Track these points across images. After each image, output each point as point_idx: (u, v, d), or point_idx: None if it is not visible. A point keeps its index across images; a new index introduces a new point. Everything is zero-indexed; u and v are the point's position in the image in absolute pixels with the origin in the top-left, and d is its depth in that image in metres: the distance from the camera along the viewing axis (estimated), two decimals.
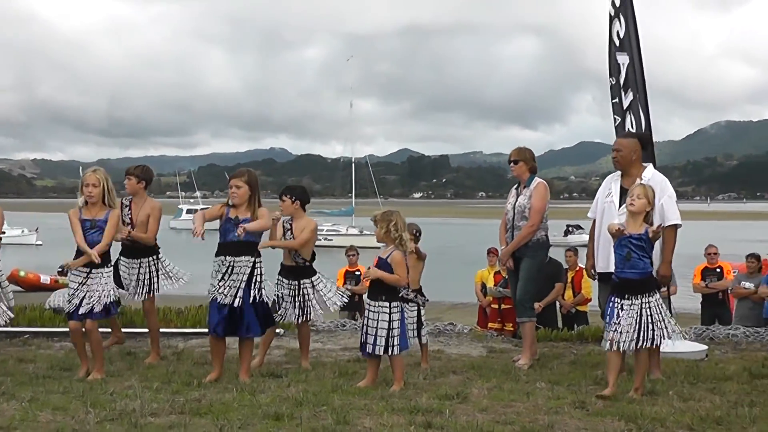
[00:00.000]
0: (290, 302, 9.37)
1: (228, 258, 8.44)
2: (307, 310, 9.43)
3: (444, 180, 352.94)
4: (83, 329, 8.56)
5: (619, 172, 9.15)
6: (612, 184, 9.20)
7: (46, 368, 8.82)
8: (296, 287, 9.37)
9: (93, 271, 8.51)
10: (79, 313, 8.46)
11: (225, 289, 8.38)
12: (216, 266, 8.50)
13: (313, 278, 9.47)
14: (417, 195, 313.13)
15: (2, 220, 10.15)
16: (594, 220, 9.35)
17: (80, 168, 9.53)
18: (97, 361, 8.52)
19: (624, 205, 8.60)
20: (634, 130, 10.34)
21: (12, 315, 8.86)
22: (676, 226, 8.73)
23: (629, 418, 6.66)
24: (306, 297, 9.40)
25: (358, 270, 16.47)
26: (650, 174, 8.97)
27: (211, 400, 7.15)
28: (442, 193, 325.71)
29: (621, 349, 7.77)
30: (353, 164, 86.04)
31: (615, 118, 10.66)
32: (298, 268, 9.39)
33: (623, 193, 8.80)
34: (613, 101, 10.69)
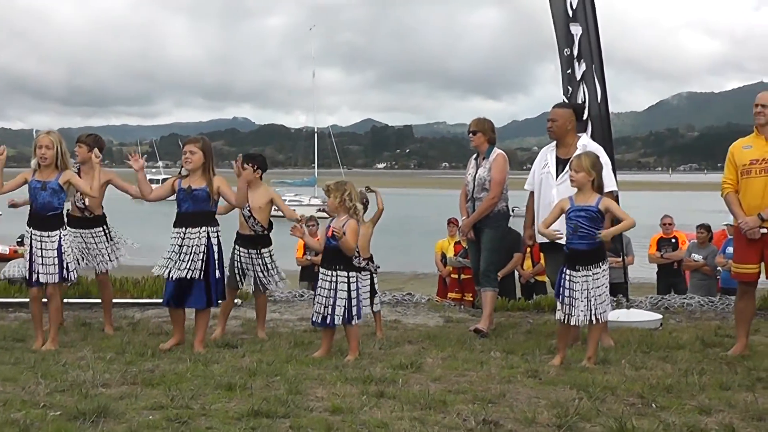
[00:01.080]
0: (248, 271, 9.35)
1: (181, 229, 8.39)
2: (264, 280, 9.41)
3: (407, 150, 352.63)
4: (41, 296, 8.51)
5: (554, 143, 9.21)
6: (548, 155, 9.27)
7: None
8: (254, 256, 9.34)
9: (47, 234, 8.43)
10: (37, 279, 8.40)
11: (178, 262, 8.32)
12: (171, 237, 8.45)
13: (270, 248, 9.45)
14: (380, 165, 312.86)
15: None
16: (531, 192, 9.40)
17: (33, 131, 9.40)
18: (52, 330, 8.45)
19: (561, 175, 8.70)
20: (587, 101, 10.38)
21: None
22: (611, 193, 8.73)
23: (581, 386, 6.71)
24: (263, 266, 9.38)
25: (317, 240, 16.44)
26: (585, 142, 9.08)
27: (164, 371, 7.11)
28: (405, 164, 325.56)
29: (573, 322, 7.82)
30: (316, 134, 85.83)
31: (567, 89, 10.67)
32: (256, 237, 9.35)
33: (559, 163, 8.96)
34: (567, 72, 10.69)
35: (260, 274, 9.38)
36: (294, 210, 9.79)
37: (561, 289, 7.86)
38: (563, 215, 7.99)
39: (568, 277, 7.81)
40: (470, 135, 10.08)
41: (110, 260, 9.71)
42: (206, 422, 5.61)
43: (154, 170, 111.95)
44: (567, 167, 8.43)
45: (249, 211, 9.22)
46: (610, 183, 8.70)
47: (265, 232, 9.38)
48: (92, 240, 9.54)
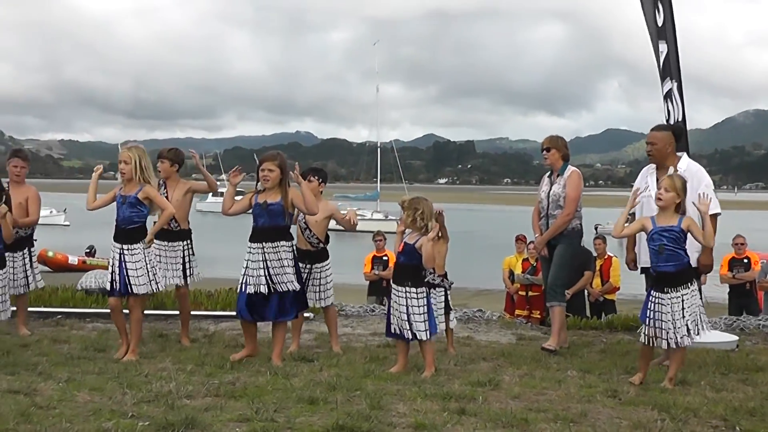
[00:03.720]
0: (307, 286, 9.38)
1: (258, 244, 8.47)
2: (323, 294, 9.45)
3: (469, 166, 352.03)
4: (123, 307, 8.65)
5: (654, 165, 9.10)
6: (648, 178, 9.17)
7: (81, 349, 8.90)
8: (309, 271, 9.39)
9: (128, 247, 8.57)
10: (118, 289, 8.55)
11: (255, 278, 8.41)
12: (248, 253, 8.53)
13: (324, 264, 9.46)
14: (442, 181, 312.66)
15: (40, 202, 10.30)
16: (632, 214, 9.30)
17: (118, 146, 9.56)
18: (133, 341, 8.58)
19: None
20: (670, 118, 10.31)
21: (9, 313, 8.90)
22: (715, 215, 8.64)
23: (662, 407, 6.66)
24: (322, 281, 9.43)
25: (386, 255, 16.52)
26: (685, 164, 8.94)
27: (245, 384, 7.21)
28: (467, 179, 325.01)
29: (662, 345, 7.76)
30: (379, 149, 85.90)
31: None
32: (313, 252, 9.40)
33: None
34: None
35: (316, 289, 9.40)
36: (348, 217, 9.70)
37: (647, 311, 7.79)
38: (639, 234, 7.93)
39: (655, 300, 7.74)
40: (544, 152, 10.08)
41: (189, 275, 9.82)
42: None
43: (218, 183, 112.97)
44: None
45: (305, 223, 9.29)
46: (712, 205, 8.61)
47: (321, 245, 9.42)
48: (174, 253, 9.66)
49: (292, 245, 8.60)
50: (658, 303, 7.72)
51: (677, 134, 9.22)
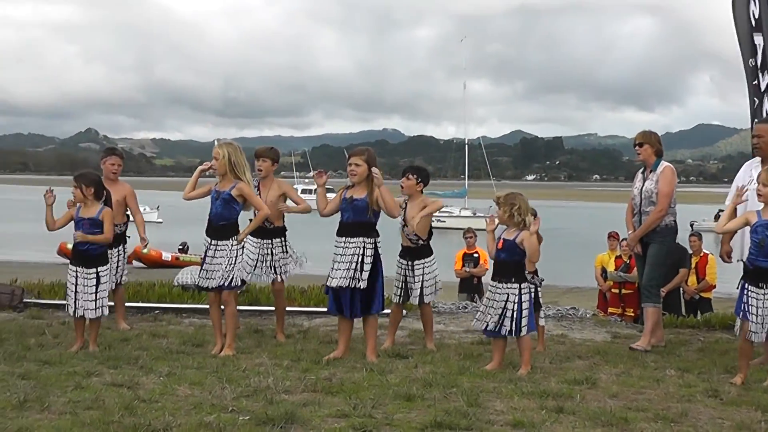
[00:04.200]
0: (407, 283, 9.37)
1: (343, 239, 8.50)
2: (424, 291, 9.44)
3: (557, 162, 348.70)
4: (219, 302, 8.77)
5: (758, 159, 8.89)
6: (752, 171, 8.97)
7: (179, 344, 9.05)
8: (410, 268, 9.39)
9: (219, 243, 8.69)
10: (213, 285, 8.67)
11: (339, 271, 8.45)
12: (335, 246, 8.56)
13: (425, 260, 9.44)
14: (530, 177, 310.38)
15: (135, 199, 10.52)
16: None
17: (214, 142, 9.71)
18: (229, 335, 8.69)
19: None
20: None
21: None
22: None
23: (766, 408, 6.54)
24: (423, 277, 9.41)
25: (476, 252, 16.48)
26: None
27: (341, 379, 7.26)
28: (555, 176, 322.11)
29: (753, 340, 7.63)
30: (467, 146, 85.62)
31: (753, 100, 10.38)
32: (413, 249, 9.40)
33: None
34: (753, 83, 10.40)
35: (414, 287, 9.40)
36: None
37: (741, 305, 7.67)
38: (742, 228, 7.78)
39: (750, 294, 7.61)
40: (636, 148, 9.94)
41: (284, 272, 9.91)
42: None
43: (306, 180, 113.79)
44: None
45: (404, 220, 9.29)
46: None
47: (421, 241, 9.40)
48: (269, 250, 9.75)
49: (375, 241, 8.59)
50: (753, 297, 7.58)
51: None
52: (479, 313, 8.34)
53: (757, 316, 7.57)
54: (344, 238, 8.50)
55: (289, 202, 9.93)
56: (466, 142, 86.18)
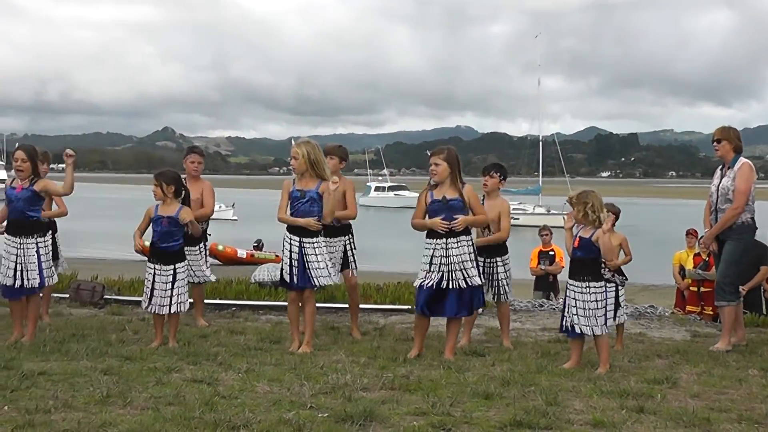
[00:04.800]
0: (486, 281, 9.34)
1: (433, 240, 8.46)
2: (502, 290, 9.42)
3: (632, 158, 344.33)
4: (300, 300, 8.81)
5: None
6: None
7: (256, 340, 9.13)
8: (488, 265, 9.36)
9: (307, 240, 8.72)
10: (297, 282, 8.71)
11: (432, 273, 8.42)
12: (425, 248, 8.52)
13: (504, 257, 9.44)
14: (605, 174, 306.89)
15: (214, 195, 10.62)
16: None
17: (291, 140, 9.77)
18: (308, 333, 8.73)
19: None
20: None
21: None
22: None
23: None
24: (499, 275, 9.39)
25: (552, 250, 16.37)
26: None
27: (419, 377, 7.26)
28: (630, 172, 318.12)
29: None
30: (541, 142, 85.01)
31: None
32: (492, 246, 9.38)
33: None
34: None
35: (495, 284, 9.39)
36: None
37: None
38: None
39: None
40: (714, 144, 9.79)
41: (354, 268, 9.93)
42: (469, 430, 5.69)
43: (380, 178, 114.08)
44: None
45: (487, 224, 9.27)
46: None
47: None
48: (336, 248, 9.77)
49: (470, 239, 8.56)
50: None
51: None
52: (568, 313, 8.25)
53: None
54: (437, 239, 8.43)
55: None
56: (540, 138, 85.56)
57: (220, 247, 36.93)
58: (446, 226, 8.33)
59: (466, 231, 8.49)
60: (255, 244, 38.40)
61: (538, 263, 16.49)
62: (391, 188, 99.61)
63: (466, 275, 8.38)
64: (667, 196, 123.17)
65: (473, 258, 8.47)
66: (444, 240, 8.39)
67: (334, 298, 11.90)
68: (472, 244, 8.52)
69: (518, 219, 61.12)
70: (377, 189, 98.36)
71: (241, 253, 36.91)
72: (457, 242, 8.41)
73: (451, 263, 8.38)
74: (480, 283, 8.52)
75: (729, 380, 7.47)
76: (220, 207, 71.16)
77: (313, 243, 8.72)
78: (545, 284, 16.24)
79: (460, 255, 8.40)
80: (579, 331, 8.01)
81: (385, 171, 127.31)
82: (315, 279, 8.68)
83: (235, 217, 68.00)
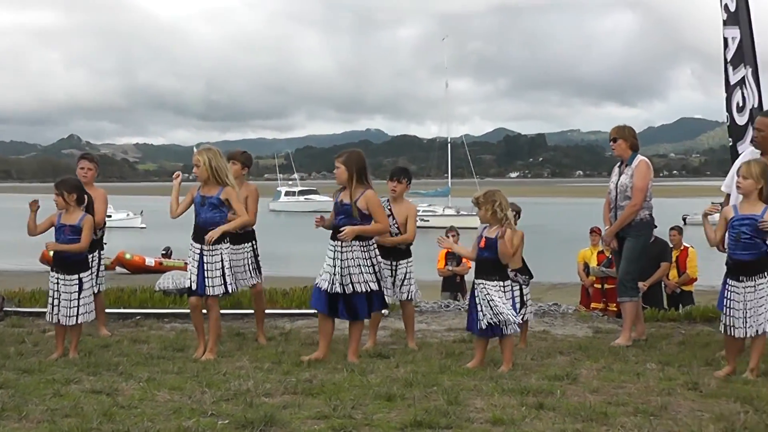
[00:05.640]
0: (390, 282, 9.39)
1: (336, 242, 8.45)
2: (408, 289, 9.47)
3: (541, 159, 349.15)
4: (201, 307, 8.74)
5: (758, 151, 8.72)
6: None
7: (160, 349, 9.01)
8: (395, 267, 9.41)
9: (208, 248, 8.64)
10: (198, 290, 8.64)
11: (332, 275, 8.41)
12: (328, 250, 8.50)
13: (409, 259, 9.50)
14: (513, 174, 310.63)
15: (106, 203, 10.42)
16: (727, 195, 9.01)
17: (193, 148, 9.67)
18: (211, 340, 8.66)
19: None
20: (745, 106, 10.12)
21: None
22: None
23: (745, 399, 6.56)
24: (406, 276, 9.44)
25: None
26: None
27: (322, 381, 7.24)
28: (539, 173, 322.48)
29: (735, 335, 7.65)
30: (449, 144, 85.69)
31: (729, 94, 10.43)
32: (399, 250, 9.42)
33: None
34: (726, 76, 10.45)
35: (399, 285, 9.43)
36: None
37: (723, 300, 7.70)
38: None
39: (730, 288, 7.64)
40: (611, 143, 9.99)
41: (256, 276, 9.87)
42: None
43: (290, 182, 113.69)
44: None
45: (397, 227, 9.31)
46: None
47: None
48: (242, 255, 9.71)
49: (369, 243, 8.56)
50: (733, 291, 7.62)
51: None
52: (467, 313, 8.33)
53: (736, 310, 7.60)
54: (338, 242, 8.42)
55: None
56: (449, 140, 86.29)
57: (128, 256, 36.45)
58: (340, 235, 8.33)
59: (360, 236, 8.45)
60: (163, 252, 37.98)
61: (446, 264, 16.57)
62: (301, 192, 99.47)
63: (356, 280, 8.37)
64: (574, 195, 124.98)
65: (368, 263, 8.43)
66: (339, 243, 8.40)
67: (241, 304, 11.80)
68: (368, 250, 8.51)
69: (428, 221, 61.53)
70: (287, 194, 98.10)
71: (150, 261, 36.45)
72: (350, 247, 8.40)
73: (342, 267, 8.38)
74: (376, 288, 8.51)
75: (627, 374, 7.60)
76: (128, 215, 70.46)
77: (211, 251, 8.65)
78: (452, 285, 16.33)
79: (350, 260, 8.38)
80: (487, 332, 8.04)
81: (296, 175, 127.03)
82: (210, 288, 8.62)
83: (143, 225, 67.21)
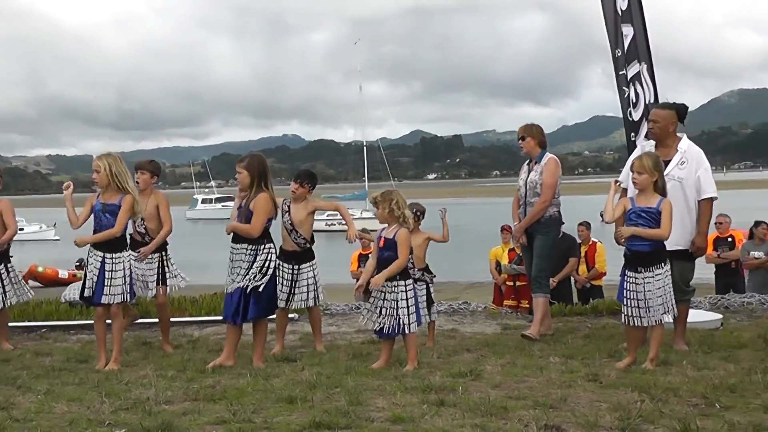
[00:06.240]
0: (294, 287, 9.36)
1: (236, 245, 8.43)
2: (314, 295, 9.45)
3: (458, 160, 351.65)
4: (107, 316, 8.62)
5: (653, 142, 8.88)
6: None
7: (63, 360, 8.87)
8: (297, 272, 9.39)
9: (109, 256, 8.54)
10: (101, 300, 8.52)
11: (234, 276, 8.38)
12: (231, 253, 8.47)
13: (313, 262, 9.48)
14: (431, 176, 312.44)
15: (13, 215, 10.23)
16: (625, 189, 9.14)
17: (93, 156, 9.59)
18: (115, 349, 8.53)
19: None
20: (639, 101, 10.30)
21: None
22: (711, 199, 8.57)
23: (642, 388, 6.65)
24: (309, 281, 9.42)
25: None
26: (686, 145, 8.73)
27: (225, 387, 7.17)
28: (456, 174, 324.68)
29: (636, 323, 7.78)
30: (365, 148, 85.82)
31: (623, 90, 10.60)
32: (299, 253, 9.40)
33: None
34: (620, 73, 10.63)
35: (303, 290, 9.41)
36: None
37: (623, 291, 7.82)
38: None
39: (629, 279, 7.77)
40: (520, 141, 10.11)
41: (164, 284, 9.78)
42: None
43: (206, 190, 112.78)
44: (667, 168, 8.33)
45: (291, 224, 9.28)
46: (709, 189, 8.53)
47: (308, 245, 9.41)
48: (150, 264, 9.64)
49: (263, 245, 8.46)
50: (632, 282, 7.75)
51: (681, 113, 8.89)
52: (367, 311, 8.35)
53: (635, 300, 7.73)
54: (238, 243, 8.42)
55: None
56: (365, 144, 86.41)
57: (41, 269, 35.79)
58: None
59: (243, 238, 8.42)
60: (77, 264, 37.31)
61: (359, 267, 16.59)
62: (218, 200, 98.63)
63: (243, 281, 8.35)
64: (491, 195, 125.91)
65: (256, 265, 8.37)
66: (238, 245, 8.41)
67: (149, 313, 11.66)
68: (256, 251, 8.43)
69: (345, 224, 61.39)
70: (204, 201, 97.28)
71: (63, 273, 35.84)
72: (237, 248, 8.41)
73: (234, 268, 8.39)
74: (255, 285, 8.40)
75: (530, 369, 7.66)
76: (41, 228, 69.17)
77: (114, 258, 8.54)
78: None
79: (239, 261, 8.39)
80: (389, 332, 8.07)
81: (212, 183, 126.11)
82: (108, 296, 8.50)
83: (57, 237, 66.01)
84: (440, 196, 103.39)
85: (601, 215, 8.66)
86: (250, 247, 8.37)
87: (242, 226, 8.38)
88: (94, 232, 8.64)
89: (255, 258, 8.37)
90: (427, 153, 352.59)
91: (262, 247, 8.41)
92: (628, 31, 10.40)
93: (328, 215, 60.26)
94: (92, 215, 8.71)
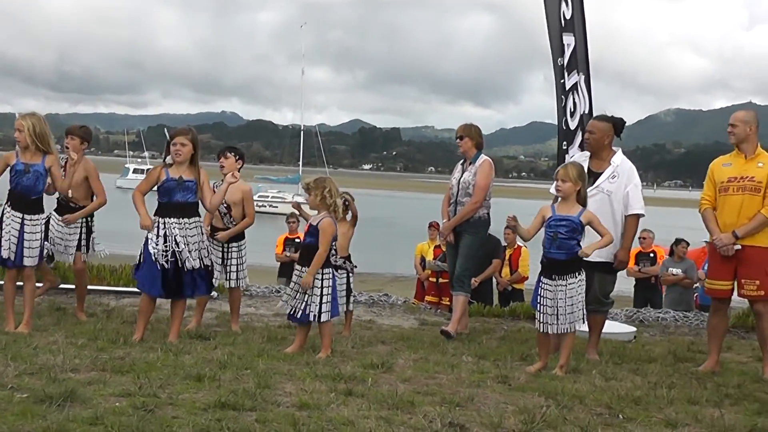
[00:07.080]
0: (219, 265, 9.33)
1: (173, 219, 8.28)
2: (236, 275, 9.42)
3: (394, 153, 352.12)
4: (18, 278, 8.49)
5: (587, 153, 8.96)
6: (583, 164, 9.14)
7: None
8: (227, 250, 9.36)
9: (28, 217, 8.41)
10: (23, 262, 8.40)
11: (167, 252, 8.25)
12: (159, 227, 8.27)
13: (241, 242, 9.46)
14: (367, 167, 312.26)
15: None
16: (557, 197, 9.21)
17: (16, 114, 9.36)
18: (27, 312, 8.40)
19: (591, 188, 8.34)
20: (576, 111, 10.41)
21: None
22: (638, 216, 8.66)
23: (549, 394, 6.73)
24: (234, 261, 9.39)
25: (298, 237, 16.47)
26: (619, 159, 8.80)
27: (134, 359, 7.10)
28: (392, 166, 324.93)
29: (549, 331, 7.86)
30: (302, 132, 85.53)
31: (561, 98, 10.70)
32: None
33: (591, 175, 8.54)
34: (560, 81, 10.73)
35: (232, 269, 9.39)
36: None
37: (537, 297, 7.89)
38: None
39: (544, 286, 7.84)
40: (458, 140, 10.16)
41: (87, 251, 9.67)
42: (172, 411, 5.60)
43: (140, 160, 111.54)
44: (598, 181, 8.48)
45: (227, 207, 9.24)
46: (637, 205, 8.61)
47: (235, 223, 9.40)
48: (73, 230, 9.50)
49: (198, 221, 8.46)
50: (547, 290, 7.82)
51: (617, 127, 8.95)
52: (285, 295, 8.33)
53: (548, 308, 7.81)
54: (177, 218, 8.27)
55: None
56: (302, 128, 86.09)
57: None
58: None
59: (198, 213, 8.40)
60: None
61: (284, 250, 16.57)
62: (149, 171, 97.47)
63: (198, 256, 8.33)
64: (424, 190, 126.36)
65: (204, 239, 8.42)
66: (178, 220, 8.29)
67: (67, 278, 11.49)
68: (201, 226, 8.42)
69: (277, 207, 61.38)
70: (135, 171, 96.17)
71: None
72: (192, 224, 8.35)
73: (185, 244, 8.28)
74: (209, 263, 8.45)
75: (442, 366, 7.71)
76: None
77: (32, 220, 8.41)
78: (289, 271, 16.26)
79: (194, 236, 8.33)
80: (303, 318, 8.06)
81: (146, 153, 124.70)
82: (28, 258, 8.38)
83: None
84: (375, 187, 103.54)
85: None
86: (196, 221, 8.40)
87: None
88: (12, 191, 8.47)
89: (197, 233, 8.36)
90: (365, 143, 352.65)
91: (200, 221, 8.43)
92: (570, 40, 10.50)
93: (259, 196, 60.00)
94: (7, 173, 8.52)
